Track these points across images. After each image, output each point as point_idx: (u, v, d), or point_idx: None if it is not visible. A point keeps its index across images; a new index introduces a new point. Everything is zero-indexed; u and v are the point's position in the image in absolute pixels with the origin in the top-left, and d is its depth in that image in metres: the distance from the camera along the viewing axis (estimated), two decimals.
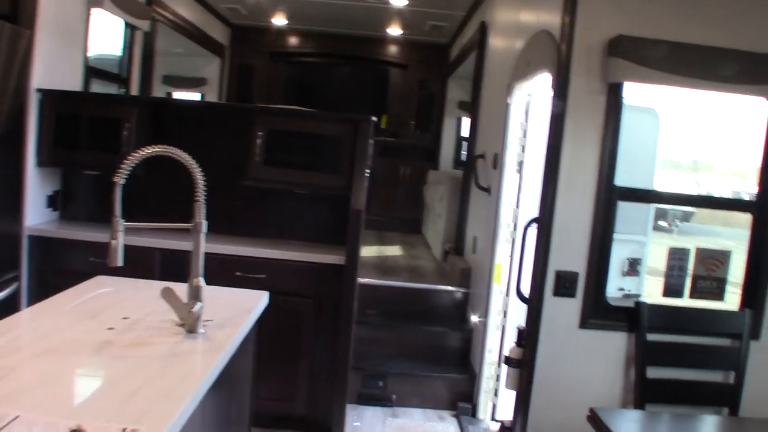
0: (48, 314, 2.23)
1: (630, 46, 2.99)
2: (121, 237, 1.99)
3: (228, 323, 2.30)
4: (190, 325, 2.13)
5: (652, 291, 5.56)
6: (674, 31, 3.02)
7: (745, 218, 3.38)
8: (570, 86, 3.07)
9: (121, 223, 1.98)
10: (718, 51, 2.99)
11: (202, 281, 2.18)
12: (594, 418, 2.51)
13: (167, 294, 2.06)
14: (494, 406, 4.54)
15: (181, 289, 2.22)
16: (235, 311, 2.47)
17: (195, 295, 2.15)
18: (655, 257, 5.87)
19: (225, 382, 2.03)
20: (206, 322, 2.23)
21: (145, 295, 2.57)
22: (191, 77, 8.74)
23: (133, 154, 1.97)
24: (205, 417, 2.07)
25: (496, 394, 4.52)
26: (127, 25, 5.44)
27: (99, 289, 2.60)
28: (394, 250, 7.32)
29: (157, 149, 2.01)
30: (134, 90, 5.68)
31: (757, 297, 3.30)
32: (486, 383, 4.54)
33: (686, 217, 14.65)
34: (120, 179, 1.95)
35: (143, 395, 1.62)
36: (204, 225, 2.15)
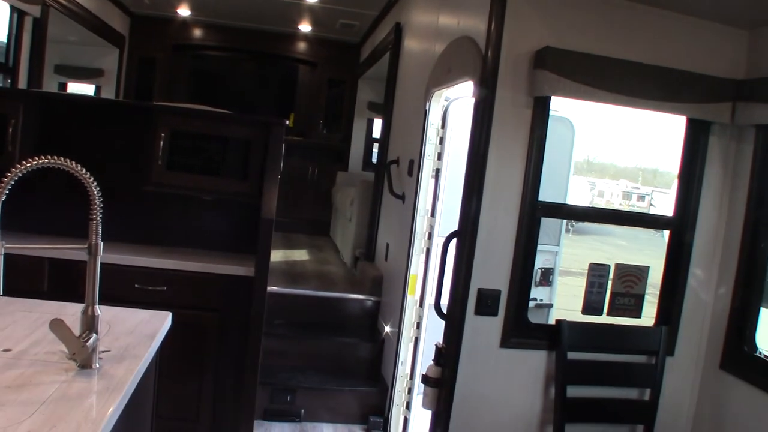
0: None
1: (556, 58, 2.89)
2: (1, 264, 1.71)
3: (128, 354, 2.06)
4: (83, 360, 1.87)
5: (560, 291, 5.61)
6: (601, 45, 2.96)
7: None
8: (496, 98, 2.95)
9: (1, 247, 1.70)
10: (642, 67, 2.95)
11: (98, 310, 1.92)
12: None
13: (56, 326, 1.80)
14: (406, 420, 4.42)
15: (74, 310, 1.95)
16: (136, 338, 2.22)
17: (90, 325, 1.90)
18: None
19: (124, 413, 1.79)
20: (103, 353, 1.98)
21: (30, 319, 2.28)
22: (87, 68, 8.17)
23: (15, 167, 1.69)
24: None
25: (408, 408, 4.40)
26: (14, 9, 4.99)
27: None
28: (301, 254, 7.09)
29: (44, 160, 1.73)
30: (22, 81, 5.22)
31: (672, 313, 3.31)
32: (398, 397, 4.40)
33: None
34: None
35: None
36: (100, 247, 1.90)
